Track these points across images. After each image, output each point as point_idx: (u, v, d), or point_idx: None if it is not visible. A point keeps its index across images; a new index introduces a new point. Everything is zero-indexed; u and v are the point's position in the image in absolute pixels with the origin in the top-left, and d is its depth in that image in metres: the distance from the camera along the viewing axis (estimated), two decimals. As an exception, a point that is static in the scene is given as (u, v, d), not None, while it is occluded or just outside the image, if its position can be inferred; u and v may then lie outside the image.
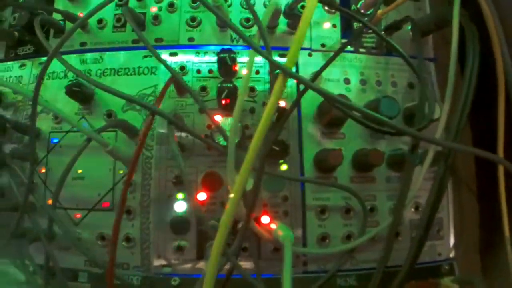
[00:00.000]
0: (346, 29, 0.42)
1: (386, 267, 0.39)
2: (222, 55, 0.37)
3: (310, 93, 0.36)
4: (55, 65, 0.43)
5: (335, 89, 0.40)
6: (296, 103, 0.35)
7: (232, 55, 0.37)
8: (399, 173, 0.39)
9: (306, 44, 0.41)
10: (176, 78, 0.34)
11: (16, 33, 0.46)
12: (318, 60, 0.41)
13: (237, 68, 0.39)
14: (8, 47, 0.46)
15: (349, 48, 0.42)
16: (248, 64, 0.32)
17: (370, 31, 0.41)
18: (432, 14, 0.43)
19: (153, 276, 0.37)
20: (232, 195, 0.27)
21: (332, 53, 0.39)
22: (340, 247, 0.37)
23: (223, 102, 0.36)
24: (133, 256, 0.38)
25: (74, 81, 0.39)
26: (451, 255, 0.42)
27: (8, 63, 0.46)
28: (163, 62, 0.34)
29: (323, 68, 0.35)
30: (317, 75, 0.35)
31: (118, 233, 0.30)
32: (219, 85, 0.36)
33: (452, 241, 0.42)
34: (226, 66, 0.38)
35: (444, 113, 0.35)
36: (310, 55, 0.41)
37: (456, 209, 0.42)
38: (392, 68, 0.42)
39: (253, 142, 0.29)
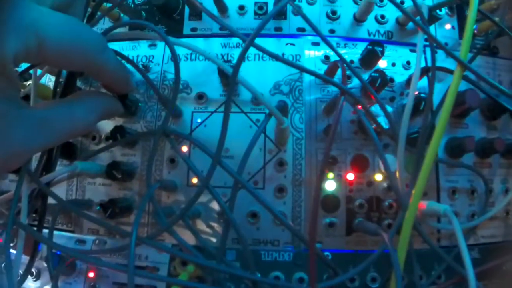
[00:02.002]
0: (461, 31, 0.47)
1: (499, 242, 0.45)
2: (371, 46, 0.40)
3: (437, 86, 0.41)
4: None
5: (457, 84, 0.44)
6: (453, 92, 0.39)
7: (381, 48, 0.40)
8: (508, 160, 0.45)
9: (433, 43, 0.45)
10: (346, 63, 0.36)
11: (143, 12, 0.46)
12: (442, 57, 0.45)
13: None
14: (131, 26, 0.46)
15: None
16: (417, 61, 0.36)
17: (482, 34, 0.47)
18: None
19: (305, 252, 0.39)
20: (415, 188, 0.32)
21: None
22: (469, 224, 0.42)
23: (376, 89, 0.40)
24: (283, 232, 0.40)
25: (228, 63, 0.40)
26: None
27: (133, 42, 0.45)
28: (335, 49, 0.37)
29: (472, 59, 0.40)
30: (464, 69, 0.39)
31: (317, 216, 0.32)
32: (373, 74, 0.39)
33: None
34: (375, 57, 0.41)
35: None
36: (436, 52, 0.45)
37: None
38: (499, 68, 0.47)
39: (436, 132, 0.33)
